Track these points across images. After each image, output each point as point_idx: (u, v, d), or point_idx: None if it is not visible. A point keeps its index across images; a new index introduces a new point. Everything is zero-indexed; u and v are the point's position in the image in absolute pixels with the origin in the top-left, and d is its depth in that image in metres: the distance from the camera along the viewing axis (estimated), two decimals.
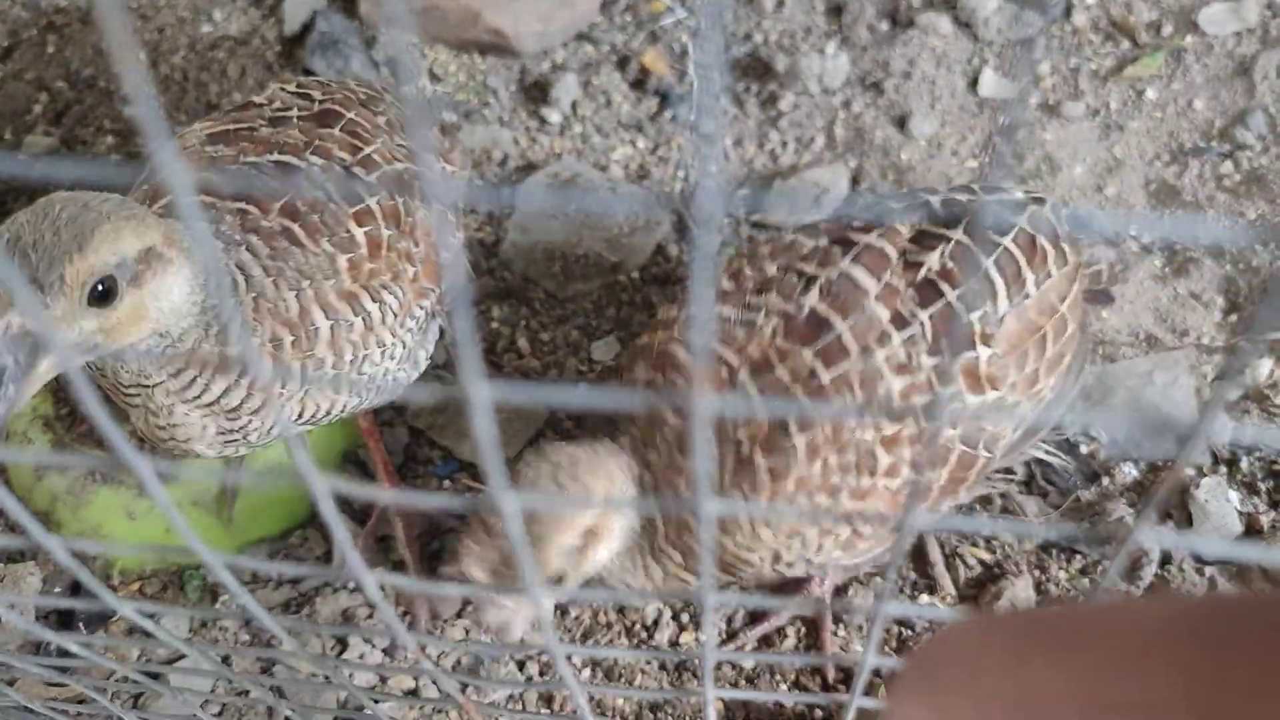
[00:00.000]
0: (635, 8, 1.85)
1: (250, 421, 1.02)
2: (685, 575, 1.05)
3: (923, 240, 1.09)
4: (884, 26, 1.79)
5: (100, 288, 0.83)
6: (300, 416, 1.09)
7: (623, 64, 1.79)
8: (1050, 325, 1.09)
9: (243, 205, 1.04)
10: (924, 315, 1.03)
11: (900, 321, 1.02)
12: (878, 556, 1.12)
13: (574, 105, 1.75)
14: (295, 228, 1.05)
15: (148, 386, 0.98)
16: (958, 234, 1.09)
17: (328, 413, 1.11)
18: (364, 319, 1.09)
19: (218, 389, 0.99)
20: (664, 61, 1.79)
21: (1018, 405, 1.08)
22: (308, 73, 1.74)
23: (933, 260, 1.06)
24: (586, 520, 0.93)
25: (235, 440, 1.04)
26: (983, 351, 1.04)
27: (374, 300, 1.10)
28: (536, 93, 1.78)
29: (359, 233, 1.09)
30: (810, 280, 1.06)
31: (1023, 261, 1.09)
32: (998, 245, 1.09)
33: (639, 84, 1.77)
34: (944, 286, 1.05)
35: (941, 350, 1.03)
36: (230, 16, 1.88)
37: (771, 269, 1.08)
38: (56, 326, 0.82)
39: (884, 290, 1.04)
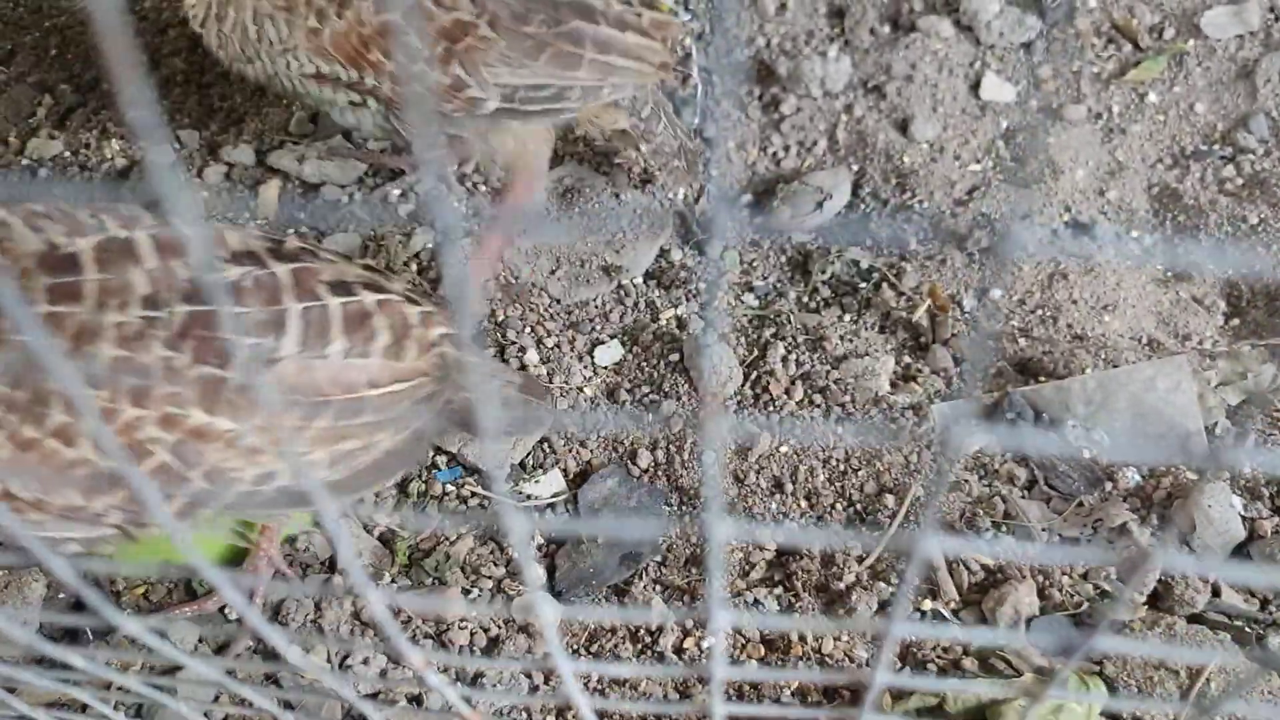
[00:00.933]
0: None
1: None
2: None
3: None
4: (886, 30, 1.78)
5: None
6: None
7: None
8: (340, 401, 1.01)
9: None
10: (183, 309, 0.94)
11: (151, 303, 0.94)
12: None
13: None
14: None
15: None
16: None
17: None
18: None
19: None
20: None
21: (258, 453, 0.99)
22: None
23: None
24: None
25: None
26: (229, 373, 0.94)
27: None
28: None
29: None
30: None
31: (337, 325, 1.01)
32: (320, 301, 1.01)
33: None
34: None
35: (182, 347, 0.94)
36: None
37: None
38: None
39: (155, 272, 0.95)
